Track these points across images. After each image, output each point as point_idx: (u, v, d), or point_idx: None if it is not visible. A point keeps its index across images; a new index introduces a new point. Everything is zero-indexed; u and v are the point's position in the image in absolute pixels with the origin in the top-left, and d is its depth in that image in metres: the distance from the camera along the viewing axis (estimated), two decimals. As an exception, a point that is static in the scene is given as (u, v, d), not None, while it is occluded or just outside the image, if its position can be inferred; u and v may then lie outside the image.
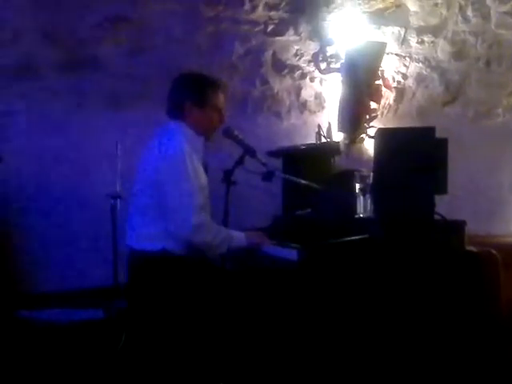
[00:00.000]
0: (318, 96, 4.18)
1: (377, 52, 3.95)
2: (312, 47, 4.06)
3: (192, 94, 3.00)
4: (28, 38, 3.60)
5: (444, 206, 2.81)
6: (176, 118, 3.03)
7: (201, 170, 2.97)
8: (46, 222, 3.68)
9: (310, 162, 3.62)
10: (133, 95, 3.83)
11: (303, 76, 4.12)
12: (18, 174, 3.61)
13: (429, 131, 2.73)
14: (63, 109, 3.72)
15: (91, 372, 2.84)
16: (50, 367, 2.81)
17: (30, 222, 3.66)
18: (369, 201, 2.95)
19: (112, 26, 3.66)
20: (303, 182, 3.29)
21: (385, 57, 4.02)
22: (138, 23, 3.69)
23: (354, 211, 2.97)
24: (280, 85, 4.10)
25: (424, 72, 4.26)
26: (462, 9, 4.12)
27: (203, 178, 2.96)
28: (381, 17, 4.05)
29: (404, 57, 4.20)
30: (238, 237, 2.95)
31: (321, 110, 4.20)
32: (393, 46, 4.13)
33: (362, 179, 2.98)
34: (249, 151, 3.20)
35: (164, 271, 2.84)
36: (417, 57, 4.21)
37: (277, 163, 3.61)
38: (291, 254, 2.68)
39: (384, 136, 2.86)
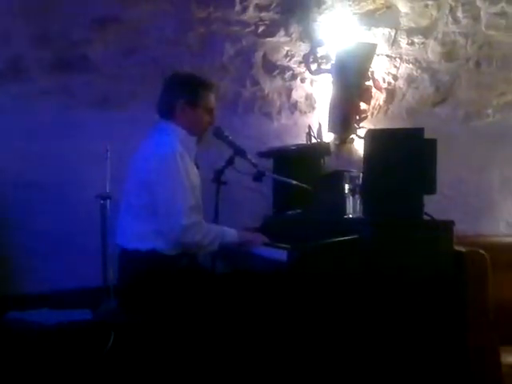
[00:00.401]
0: (308, 97, 4.18)
1: (367, 53, 3.95)
2: (303, 48, 4.06)
3: (185, 94, 3.01)
4: (17, 38, 3.59)
5: (433, 206, 2.82)
6: (167, 118, 3.04)
7: (193, 170, 2.98)
8: (34, 222, 3.67)
9: (301, 162, 3.64)
10: (123, 95, 3.82)
11: (294, 77, 4.13)
12: (7, 175, 3.60)
13: (418, 132, 2.75)
14: (53, 109, 3.71)
15: (79, 373, 2.83)
16: (39, 368, 2.80)
17: (18, 222, 3.64)
18: (358, 201, 2.95)
19: (102, 26, 3.65)
20: (293, 182, 3.30)
21: (375, 58, 4.02)
22: (128, 24, 3.68)
23: (344, 212, 2.98)
24: (271, 85, 4.10)
25: (414, 73, 4.26)
26: (452, 10, 4.13)
27: (195, 178, 2.97)
28: (371, 18, 4.06)
29: (394, 58, 4.21)
30: (230, 233, 2.97)
31: (311, 110, 4.20)
32: (383, 47, 4.13)
33: (352, 180, 2.99)
34: (239, 152, 3.22)
35: (153, 271, 2.84)
36: (407, 58, 4.22)
37: (267, 163, 3.62)
38: (281, 254, 2.68)
39: (373, 137, 2.88)
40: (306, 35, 4.02)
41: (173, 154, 2.86)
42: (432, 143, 2.80)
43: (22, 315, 2.93)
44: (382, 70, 4.20)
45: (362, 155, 2.98)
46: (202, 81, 3.09)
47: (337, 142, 4.12)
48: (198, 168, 3.17)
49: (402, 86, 4.28)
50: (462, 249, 2.80)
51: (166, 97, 3.06)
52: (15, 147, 3.64)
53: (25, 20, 3.56)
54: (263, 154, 3.66)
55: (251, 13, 3.87)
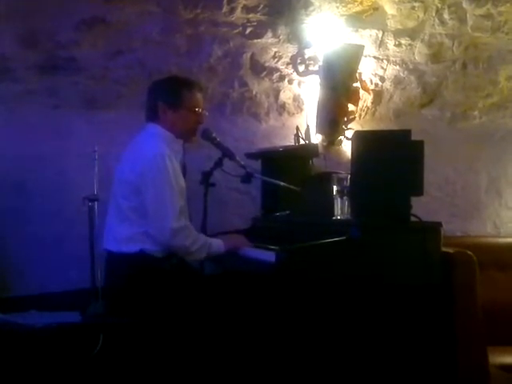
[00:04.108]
0: (296, 98, 4.19)
1: (354, 55, 3.96)
2: (290, 50, 4.06)
3: (165, 96, 3.02)
4: (4, 39, 3.57)
5: (421, 208, 2.84)
6: (152, 121, 3.05)
7: (180, 172, 2.98)
8: (22, 225, 3.65)
9: (289, 163, 3.65)
10: (110, 97, 3.81)
11: (282, 78, 4.13)
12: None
13: (405, 134, 2.76)
14: (40, 111, 3.70)
15: (68, 376, 2.82)
16: (27, 370, 2.79)
17: (5, 225, 3.62)
18: (346, 203, 2.96)
19: (89, 27, 3.64)
20: (282, 183, 3.31)
21: (362, 59, 4.03)
22: (115, 25, 3.66)
23: (332, 213, 2.98)
24: (258, 87, 4.10)
25: (401, 74, 4.28)
26: (438, 12, 4.14)
27: (182, 181, 2.97)
28: (358, 20, 4.06)
29: (381, 59, 4.22)
30: (217, 244, 2.96)
31: (299, 112, 4.21)
32: (370, 49, 4.14)
33: (340, 181, 3.00)
34: (227, 153, 3.22)
35: (142, 273, 2.84)
36: (394, 59, 4.23)
37: (255, 165, 3.63)
38: (269, 256, 2.68)
39: (361, 139, 2.88)
40: (294, 37, 4.02)
41: (161, 155, 2.86)
42: (419, 145, 2.81)
43: (10, 317, 2.91)
44: (369, 71, 4.22)
45: (350, 157, 2.99)
46: (182, 81, 3.10)
47: (325, 144, 4.13)
48: (185, 170, 3.17)
49: (389, 87, 4.30)
50: (450, 250, 2.81)
51: (148, 101, 3.07)
52: (1, 149, 3.62)
53: (11, 21, 3.54)
54: (251, 156, 3.66)
55: (239, 14, 3.86)
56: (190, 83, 3.08)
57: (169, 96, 3.01)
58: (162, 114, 3.01)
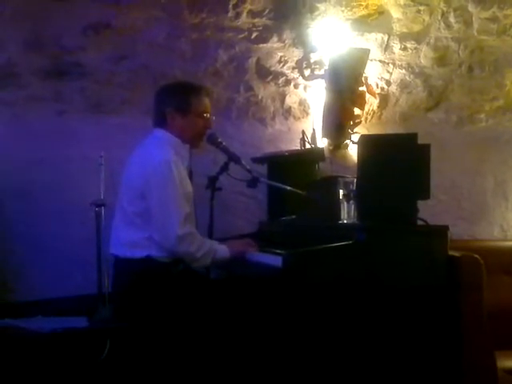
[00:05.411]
0: (302, 102, 4.18)
1: (360, 58, 3.96)
2: (296, 54, 4.07)
3: (174, 101, 3.01)
4: (10, 45, 3.59)
5: (427, 211, 2.83)
6: (160, 127, 3.04)
7: (186, 178, 2.98)
8: (29, 230, 3.65)
9: (295, 167, 3.65)
10: (117, 102, 3.81)
11: (287, 83, 4.13)
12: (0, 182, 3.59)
13: (411, 137, 2.76)
14: (45, 116, 3.70)
15: (75, 381, 2.82)
16: (33, 376, 2.79)
17: (12, 230, 3.63)
18: (353, 206, 2.96)
19: (95, 32, 3.66)
20: (288, 187, 3.30)
21: (368, 63, 4.03)
22: (121, 30, 3.68)
23: (338, 217, 2.98)
24: (264, 91, 4.10)
25: (407, 78, 4.28)
26: (444, 15, 4.15)
27: (189, 187, 2.97)
28: (364, 24, 4.07)
29: (387, 63, 4.22)
30: (222, 249, 2.96)
31: (305, 116, 4.20)
32: (376, 53, 4.14)
33: (346, 185, 2.99)
34: (233, 158, 3.22)
35: (148, 278, 2.84)
36: (400, 63, 4.23)
37: (262, 169, 3.63)
38: (275, 260, 2.68)
39: (367, 142, 2.88)
40: (299, 41, 4.03)
41: (167, 162, 2.86)
42: (426, 148, 2.80)
43: (16, 322, 2.91)
44: (375, 75, 4.21)
45: (356, 160, 2.99)
46: (189, 86, 3.10)
47: (331, 148, 4.12)
48: (191, 175, 3.17)
49: (395, 91, 4.29)
50: (457, 253, 2.80)
51: (157, 105, 3.07)
52: (7, 154, 3.63)
53: (17, 26, 3.56)
54: (257, 160, 3.66)
55: (244, 19, 3.88)
56: (197, 88, 3.08)
57: (177, 102, 3.01)
58: (171, 120, 3.01)
